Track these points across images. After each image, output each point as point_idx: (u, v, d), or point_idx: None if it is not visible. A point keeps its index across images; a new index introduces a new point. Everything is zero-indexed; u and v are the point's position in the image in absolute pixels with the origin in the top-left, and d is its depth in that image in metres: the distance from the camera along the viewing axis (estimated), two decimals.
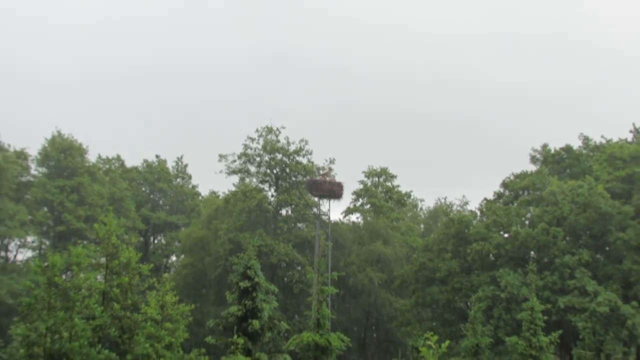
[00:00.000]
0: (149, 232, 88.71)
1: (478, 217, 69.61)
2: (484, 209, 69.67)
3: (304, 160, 72.29)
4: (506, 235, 63.73)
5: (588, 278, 56.55)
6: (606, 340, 54.17)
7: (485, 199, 71.54)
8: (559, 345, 48.72)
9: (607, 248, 61.09)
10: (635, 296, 56.49)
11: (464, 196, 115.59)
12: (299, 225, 74.09)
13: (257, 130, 73.46)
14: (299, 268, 69.52)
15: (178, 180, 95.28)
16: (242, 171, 73.55)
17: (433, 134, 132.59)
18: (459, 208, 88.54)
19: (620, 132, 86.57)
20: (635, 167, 64.57)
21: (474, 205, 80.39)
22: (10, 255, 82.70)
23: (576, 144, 74.79)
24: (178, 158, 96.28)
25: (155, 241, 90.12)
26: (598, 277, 57.64)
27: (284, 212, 74.21)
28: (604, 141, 74.04)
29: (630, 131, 78.35)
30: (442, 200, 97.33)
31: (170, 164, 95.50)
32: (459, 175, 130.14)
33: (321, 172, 70.20)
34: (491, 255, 62.86)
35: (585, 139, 76.18)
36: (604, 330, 53.85)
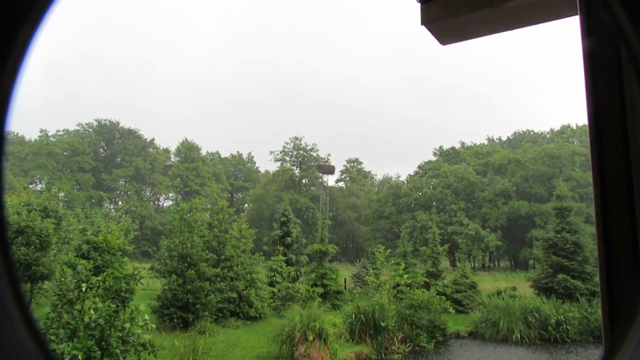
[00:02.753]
0: (233, 191, 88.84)
1: (405, 184, 69.66)
2: (409, 180, 69.73)
3: (314, 154, 72.94)
4: (420, 193, 63.80)
5: (463, 216, 56.75)
6: (473, 249, 54.42)
7: (410, 174, 71.74)
8: (448, 252, 48.89)
9: (473, 200, 61.18)
10: (489, 226, 56.69)
11: (398, 173, 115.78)
12: (312, 188, 74.23)
13: (290, 138, 74.34)
14: (312, 210, 69.85)
15: (248, 164, 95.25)
16: (282, 159, 74.17)
17: (382, 134, 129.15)
18: (395, 179, 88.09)
19: (481, 139, 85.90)
20: (488, 158, 64.81)
21: (403, 178, 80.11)
22: (160, 203, 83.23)
23: (457, 145, 74.96)
24: (249, 153, 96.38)
25: (237, 196, 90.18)
26: (469, 216, 57.83)
27: (304, 181, 74.43)
28: (472, 144, 74.15)
29: (486, 139, 78.72)
30: (387, 175, 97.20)
31: (245, 156, 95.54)
32: (397, 160, 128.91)
33: (323, 160, 70.59)
34: (412, 204, 63.03)
35: (462, 143, 76.12)
36: (472, 243, 54.13)
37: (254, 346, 18.25)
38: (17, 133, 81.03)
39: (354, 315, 21.16)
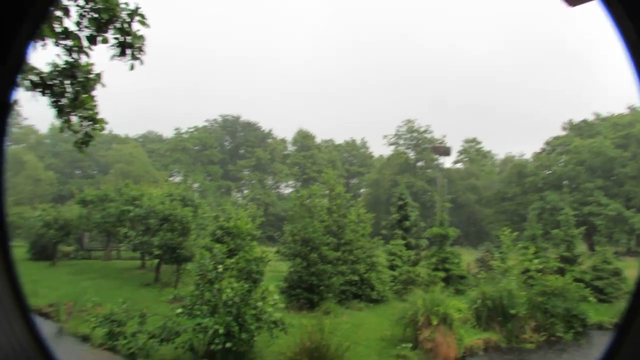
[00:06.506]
0: (349, 177, 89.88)
1: (531, 162, 64.61)
2: (535, 158, 64.63)
3: (429, 136, 71.31)
4: (548, 172, 58.84)
5: (602, 195, 51.15)
6: (615, 232, 48.85)
7: (535, 152, 66.34)
8: (584, 235, 44.36)
9: (613, 177, 54.52)
10: (634, 206, 50.36)
11: (521, 151, 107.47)
12: (428, 170, 72.41)
13: (402, 121, 73.79)
14: (429, 193, 68.29)
15: (362, 149, 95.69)
16: (395, 143, 73.72)
17: (502, 110, 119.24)
18: (519, 157, 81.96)
19: (619, 108, 75.58)
20: (630, 129, 57.30)
21: (528, 156, 74.10)
22: (281, 191, 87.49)
23: (590, 117, 67.25)
24: (362, 138, 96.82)
25: (352, 181, 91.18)
26: (608, 195, 51.83)
27: (419, 164, 73.03)
28: (608, 115, 65.99)
29: (627, 107, 69.45)
30: (509, 153, 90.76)
31: (358, 141, 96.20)
32: (519, 138, 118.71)
33: (438, 142, 68.54)
34: (539, 183, 58.37)
35: (597, 114, 68.07)
36: (613, 225, 48.65)
37: (377, 328, 18.41)
38: (156, 132, 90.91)
39: (479, 300, 20.31)
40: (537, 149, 67.08)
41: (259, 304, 13.87)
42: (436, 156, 66.42)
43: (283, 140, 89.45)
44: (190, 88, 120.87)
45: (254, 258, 16.17)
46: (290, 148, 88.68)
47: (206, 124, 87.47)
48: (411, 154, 72.89)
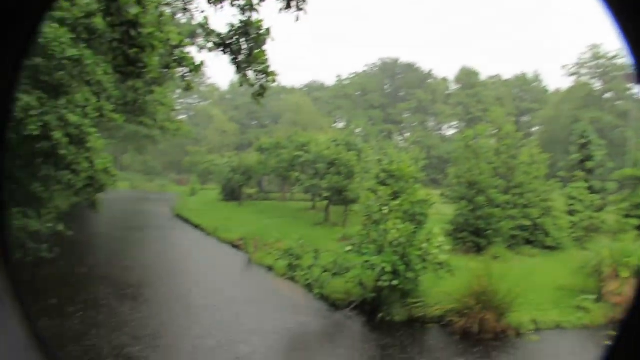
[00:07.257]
0: (519, 114, 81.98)
1: None
2: None
3: (619, 62, 60.91)
4: None
5: None
6: None
7: None
8: None
9: None
10: None
11: None
12: (618, 102, 62.16)
13: (586, 47, 65.36)
14: (620, 129, 58.93)
15: (534, 84, 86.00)
16: (577, 73, 64.85)
17: None
18: None
19: None
20: None
21: None
22: (443, 133, 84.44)
23: None
24: (534, 71, 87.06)
25: (523, 119, 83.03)
26: None
27: (607, 95, 63.13)
28: None
29: None
30: None
31: (530, 75, 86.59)
32: None
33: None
34: None
35: None
36: None
37: (553, 276, 17.10)
38: (318, 81, 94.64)
39: None
40: None
41: (424, 245, 14.00)
42: (630, 85, 56.64)
43: (444, 80, 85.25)
44: (351, 34, 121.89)
45: (417, 200, 16.24)
46: (453, 88, 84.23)
47: (366, 69, 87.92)
48: (597, 85, 63.20)
